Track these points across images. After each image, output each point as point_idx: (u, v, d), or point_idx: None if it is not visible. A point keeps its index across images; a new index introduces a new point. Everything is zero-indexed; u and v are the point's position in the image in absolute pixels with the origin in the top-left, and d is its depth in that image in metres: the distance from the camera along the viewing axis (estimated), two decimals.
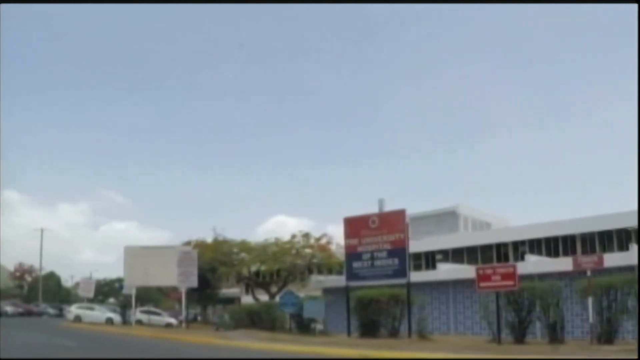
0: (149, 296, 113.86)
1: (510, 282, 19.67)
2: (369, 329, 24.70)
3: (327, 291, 38.10)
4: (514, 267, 20.66)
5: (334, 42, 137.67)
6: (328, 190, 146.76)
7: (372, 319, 24.73)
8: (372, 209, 25.76)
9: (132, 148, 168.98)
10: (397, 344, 20.50)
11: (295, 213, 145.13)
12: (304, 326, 27.84)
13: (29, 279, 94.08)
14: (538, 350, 17.13)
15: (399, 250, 24.31)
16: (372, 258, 24.80)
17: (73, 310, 50.10)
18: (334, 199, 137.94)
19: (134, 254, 43.08)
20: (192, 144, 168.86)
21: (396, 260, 24.28)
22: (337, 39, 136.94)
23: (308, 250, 45.82)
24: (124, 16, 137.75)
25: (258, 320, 32.23)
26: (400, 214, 24.91)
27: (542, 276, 24.81)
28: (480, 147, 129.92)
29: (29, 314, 65.32)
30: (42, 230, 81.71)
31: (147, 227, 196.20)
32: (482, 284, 20.37)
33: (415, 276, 30.04)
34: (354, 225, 25.86)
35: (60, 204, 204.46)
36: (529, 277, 23.85)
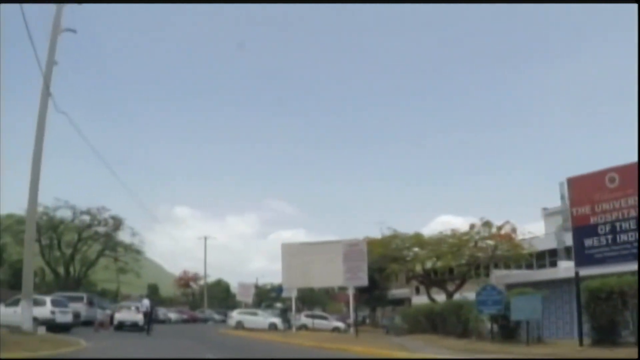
0: (316, 299, 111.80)
1: None
2: (605, 334, 16.98)
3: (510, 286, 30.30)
4: None
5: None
6: (491, 189, 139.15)
7: (611, 319, 16.93)
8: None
9: (297, 158, 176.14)
10: None
11: (459, 212, 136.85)
12: (509, 331, 20.61)
13: (194, 286, 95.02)
14: None
15: None
16: (614, 231, 16.84)
17: (235, 316, 47.18)
18: (499, 199, 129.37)
19: (292, 252, 38.26)
20: (353, 152, 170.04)
21: None
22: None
23: (490, 242, 38.10)
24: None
25: (441, 323, 25.63)
26: None
27: None
28: None
29: (193, 320, 64.36)
30: (205, 238, 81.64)
31: (314, 233, 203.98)
32: None
33: None
34: (583, 187, 17.76)
35: (230, 217, 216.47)
36: None
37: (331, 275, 34.44)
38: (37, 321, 25.16)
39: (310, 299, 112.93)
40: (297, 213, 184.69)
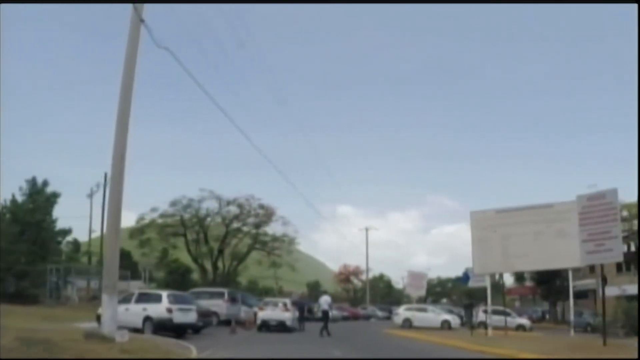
0: (477, 292, 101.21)
1: None
2: None
3: None
4: None
5: None
6: None
7: None
8: None
9: (457, 151, 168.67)
10: None
11: None
12: None
13: (355, 281, 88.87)
14: None
15: None
16: None
17: (401, 312, 40.15)
18: None
19: (484, 223, 27.99)
20: (520, 142, 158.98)
21: None
22: None
23: None
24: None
25: None
26: None
27: None
28: None
29: (354, 317, 57.96)
30: (366, 229, 74.44)
31: None
32: None
33: None
34: None
35: (391, 213, 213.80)
36: None
37: (543, 252, 25.30)
38: (151, 321, 19.70)
39: (478, 293, 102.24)
40: (459, 207, 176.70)
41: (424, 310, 40.29)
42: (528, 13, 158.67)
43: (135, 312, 20.17)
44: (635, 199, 31.54)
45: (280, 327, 27.29)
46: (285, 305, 28.57)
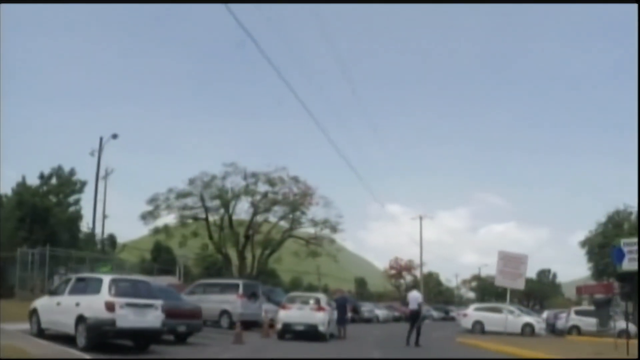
0: (541, 291, 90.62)
1: None
2: None
3: None
4: None
5: None
6: None
7: None
8: None
9: (504, 150, 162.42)
10: None
11: None
12: None
13: (407, 276, 79.95)
14: None
15: None
16: None
17: (470, 313, 31.52)
18: None
19: None
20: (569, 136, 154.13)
21: None
22: None
23: None
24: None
25: None
26: None
27: None
28: None
29: (407, 318, 49.39)
30: (420, 218, 64.99)
31: (526, 226, 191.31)
32: None
33: None
34: None
35: (440, 212, 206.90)
36: None
37: None
38: (84, 324, 11.99)
39: (539, 290, 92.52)
40: (508, 206, 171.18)
41: (499, 310, 31.69)
42: None
43: (66, 309, 12.50)
44: None
45: (311, 333, 19.32)
46: (317, 302, 20.44)
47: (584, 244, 38.53)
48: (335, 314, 21.91)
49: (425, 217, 65.91)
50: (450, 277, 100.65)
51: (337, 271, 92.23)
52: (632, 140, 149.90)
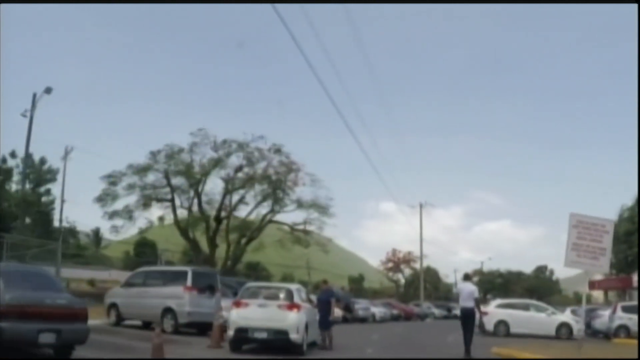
0: (543, 287, 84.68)
1: None
2: None
3: None
4: None
5: None
6: None
7: None
8: None
9: (500, 149, 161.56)
10: None
11: None
12: None
13: (406, 270, 73.63)
14: None
15: None
16: None
17: (493, 311, 25.29)
18: None
19: None
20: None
21: None
22: None
23: None
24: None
25: None
26: None
27: None
28: None
29: (406, 317, 43.52)
30: (420, 205, 59.05)
31: (521, 224, 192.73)
32: None
33: None
34: None
35: (434, 210, 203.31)
36: None
37: None
38: None
39: (540, 287, 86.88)
40: (503, 203, 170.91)
41: (527, 307, 25.61)
42: None
43: None
44: None
45: (279, 343, 12.93)
46: (289, 296, 13.86)
47: None
48: (315, 314, 15.43)
49: (425, 206, 59.96)
50: (448, 273, 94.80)
51: (332, 267, 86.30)
52: (632, 141, 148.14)
